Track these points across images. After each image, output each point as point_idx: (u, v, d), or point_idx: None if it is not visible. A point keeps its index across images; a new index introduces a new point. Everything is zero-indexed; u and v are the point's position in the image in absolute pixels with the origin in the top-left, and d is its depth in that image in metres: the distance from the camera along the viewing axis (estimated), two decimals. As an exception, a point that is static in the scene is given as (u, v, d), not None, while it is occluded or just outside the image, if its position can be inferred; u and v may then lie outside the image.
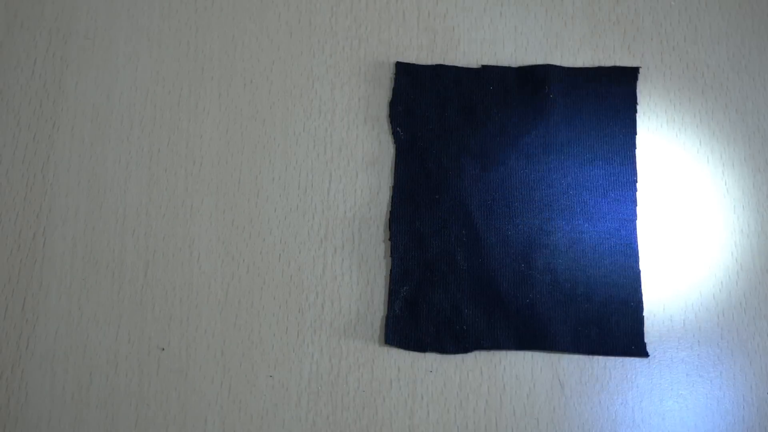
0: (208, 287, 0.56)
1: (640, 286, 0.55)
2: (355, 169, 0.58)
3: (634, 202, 0.56)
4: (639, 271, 0.55)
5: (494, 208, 0.57)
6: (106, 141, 0.59)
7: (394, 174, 0.58)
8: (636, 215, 0.56)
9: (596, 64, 0.60)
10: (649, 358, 0.54)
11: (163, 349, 0.54)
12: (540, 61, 0.60)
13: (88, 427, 0.53)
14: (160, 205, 0.58)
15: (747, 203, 0.57)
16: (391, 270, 0.56)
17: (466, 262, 0.56)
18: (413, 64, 0.60)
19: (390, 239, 0.56)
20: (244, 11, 0.62)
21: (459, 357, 0.54)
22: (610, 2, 0.61)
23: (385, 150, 0.59)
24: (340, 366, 0.54)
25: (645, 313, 0.55)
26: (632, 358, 0.54)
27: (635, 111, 0.58)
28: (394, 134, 0.59)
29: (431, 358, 0.54)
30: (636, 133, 0.58)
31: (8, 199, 0.58)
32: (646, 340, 0.54)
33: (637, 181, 0.57)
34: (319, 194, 0.58)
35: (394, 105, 0.59)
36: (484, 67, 0.60)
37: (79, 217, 0.57)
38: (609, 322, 0.54)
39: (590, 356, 0.54)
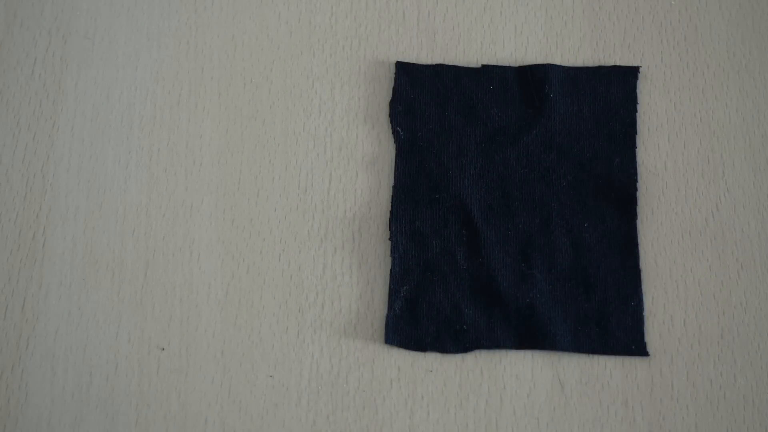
0: (208, 287, 0.56)
1: (640, 285, 0.55)
2: (355, 168, 0.58)
3: (634, 201, 0.56)
4: (639, 271, 0.55)
5: (494, 207, 0.57)
6: (106, 141, 0.59)
7: (395, 173, 0.58)
8: (636, 215, 0.56)
9: (596, 63, 0.60)
10: (649, 358, 0.54)
11: (163, 349, 0.54)
12: (540, 61, 0.60)
13: (88, 427, 0.53)
14: (160, 205, 0.58)
15: (747, 203, 0.57)
16: (391, 270, 0.56)
17: (466, 262, 0.56)
18: (413, 64, 0.60)
19: (390, 239, 0.56)
20: (244, 11, 0.62)
21: (459, 357, 0.54)
22: (610, 2, 0.61)
23: (385, 150, 0.59)
24: (340, 366, 0.54)
25: (645, 313, 0.54)
26: (632, 358, 0.54)
27: (635, 110, 0.58)
28: (394, 134, 0.59)
29: (431, 358, 0.54)
30: (636, 133, 0.58)
31: (8, 199, 0.58)
32: (646, 340, 0.54)
33: (637, 181, 0.57)
34: (319, 194, 0.58)
35: (394, 105, 0.59)
36: (484, 67, 0.60)
37: (79, 217, 0.57)
38: (609, 321, 0.54)
39: (590, 356, 0.54)
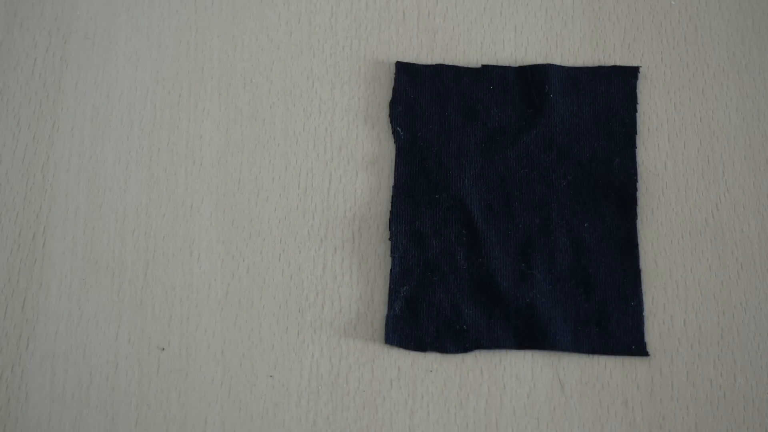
0: (208, 287, 0.56)
1: (640, 285, 0.55)
2: (355, 168, 0.58)
3: (634, 201, 0.56)
4: (639, 270, 0.55)
5: (494, 207, 0.57)
6: (106, 141, 0.59)
7: (394, 173, 0.58)
8: (636, 214, 0.56)
9: (596, 63, 0.60)
10: (649, 358, 0.54)
11: (163, 349, 0.54)
12: (540, 61, 0.60)
13: (88, 427, 0.53)
14: (160, 205, 0.58)
15: (747, 203, 0.57)
16: (391, 270, 0.56)
17: (466, 262, 0.56)
18: (413, 64, 0.60)
19: (390, 239, 0.56)
20: (244, 11, 0.62)
21: (459, 357, 0.54)
22: (610, 2, 0.61)
23: (385, 150, 0.59)
24: (340, 366, 0.54)
25: (645, 313, 0.54)
26: (632, 358, 0.54)
27: (635, 110, 0.58)
28: (394, 134, 0.59)
29: (431, 358, 0.54)
30: (636, 133, 0.58)
31: (8, 199, 0.58)
32: (646, 340, 0.54)
33: (637, 181, 0.57)
34: (319, 194, 0.58)
35: (394, 105, 0.59)
36: (484, 67, 0.60)
37: (79, 217, 0.57)
38: (609, 321, 0.54)
39: (590, 356, 0.54)
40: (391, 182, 0.58)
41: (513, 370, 0.54)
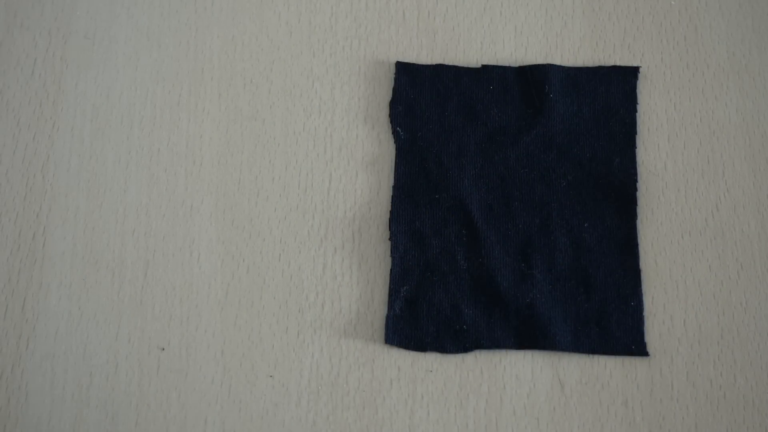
0: (208, 287, 0.56)
1: (640, 285, 0.55)
2: (355, 168, 0.58)
3: (634, 201, 0.56)
4: (639, 270, 0.55)
5: (494, 207, 0.57)
6: (106, 141, 0.59)
7: (394, 173, 0.58)
8: (636, 214, 0.56)
9: (596, 63, 0.60)
10: (649, 358, 0.54)
11: (163, 349, 0.54)
12: (540, 61, 0.60)
13: (88, 427, 0.53)
14: (160, 205, 0.58)
15: (747, 203, 0.57)
16: (391, 270, 0.56)
17: (466, 262, 0.56)
18: (413, 64, 0.60)
19: (390, 239, 0.56)
20: (244, 11, 0.62)
21: (459, 357, 0.54)
22: (610, 2, 0.62)
23: (385, 150, 0.59)
24: (340, 366, 0.54)
25: (645, 313, 0.54)
26: (632, 358, 0.54)
27: (635, 110, 0.58)
28: (394, 134, 0.59)
29: (431, 358, 0.54)
30: (636, 133, 0.58)
31: (8, 199, 0.58)
32: (646, 340, 0.54)
33: (637, 181, 0.57)
34: (319, 194, 0.58)
35: (394, 105, 0.59)
36: (484, 67, 0.60)
37: (79, 217, 0.57)
38: (609, 321, 0.54)
39: (590, 356, 0.54)
40: (391, 182, 0.58)
41: (513, 370, 0.54)
